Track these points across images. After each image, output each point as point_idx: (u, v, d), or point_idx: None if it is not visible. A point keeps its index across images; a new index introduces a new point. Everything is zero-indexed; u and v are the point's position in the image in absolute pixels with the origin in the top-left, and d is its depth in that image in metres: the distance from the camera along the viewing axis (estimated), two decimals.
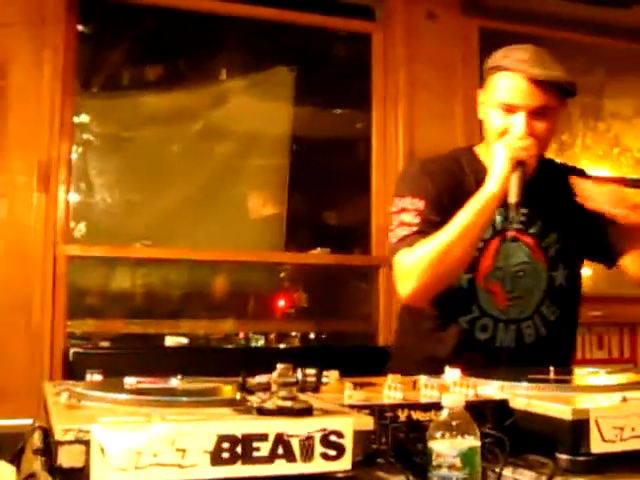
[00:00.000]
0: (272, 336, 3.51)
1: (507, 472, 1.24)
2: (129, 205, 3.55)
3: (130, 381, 1.19)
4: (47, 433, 1.20)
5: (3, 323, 2.77)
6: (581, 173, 2.22)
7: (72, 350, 2.74)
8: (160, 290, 3.54)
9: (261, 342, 3.46)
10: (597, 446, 1.22)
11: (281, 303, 3.68)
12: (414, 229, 2.02)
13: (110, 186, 3.49)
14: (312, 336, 3.58)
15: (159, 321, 3.43)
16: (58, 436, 0.97)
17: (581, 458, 1.22)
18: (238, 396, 1.12)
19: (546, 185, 2.12)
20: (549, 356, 1.80)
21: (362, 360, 2.52)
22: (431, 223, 2.01)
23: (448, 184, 2.11)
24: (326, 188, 3.77)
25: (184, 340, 3.18)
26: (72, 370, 2.77)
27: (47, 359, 2.93)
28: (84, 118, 3.43)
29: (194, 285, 3.58)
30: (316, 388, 1.18)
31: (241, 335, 3.49)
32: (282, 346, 3.49)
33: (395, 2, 3.53)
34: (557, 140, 4.07)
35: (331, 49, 3.75)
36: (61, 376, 2.85)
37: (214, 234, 3.60)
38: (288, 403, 1.09)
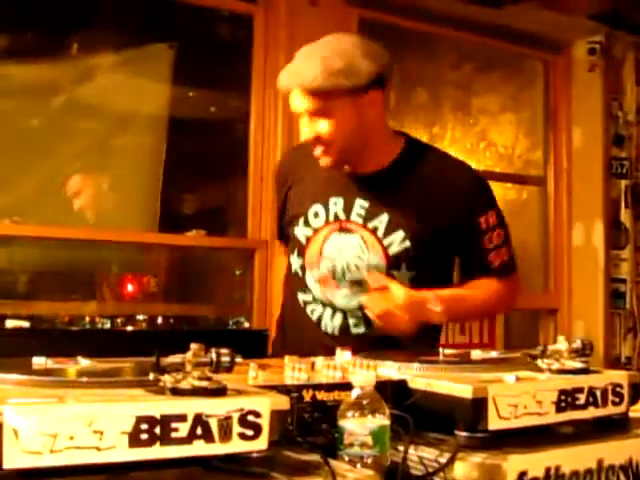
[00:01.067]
0: (119, 320, 3.42)
1: (410, 450, 1.27)
2: None
3: (38, 361, 1.14)
4: None
5: None
6: (461, 168, 2.19)
7: None
8: (11, 270, 3.42)
9: (107, 325, 3.36)
10: (494, 423, 1.27)
11: (130, 287, 3.60)
12: None
13: None
14: (160, 320, 3.49)
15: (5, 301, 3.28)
16: None
17: (479, 435, 1.27)
18: (151, 376, 1.10)
19: (404, 179, 2.07)
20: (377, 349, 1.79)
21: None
22: None
23: None
24: (203, 169, 3.74)
25: (25, 323, 3.05)
26: None
27: None
28: None
29: (50, 265, 3.47)
30: (230, 368, 1.17)
31: (87, 319, 3.37)
32: (130, 328, 3.38)
33: None
34: (428, 132, 4.20)
35: (213, 29, 3.71)
36: None
37: (82, 214, 3.50)
38: (203, 383, 1.08)
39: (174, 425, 1.00)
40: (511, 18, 3.94)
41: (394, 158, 2.09)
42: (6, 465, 0.91)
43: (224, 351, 1.17)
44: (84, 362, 1.21)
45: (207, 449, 1.02)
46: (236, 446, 1.04)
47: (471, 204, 2.06)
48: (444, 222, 2.04)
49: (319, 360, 1.51)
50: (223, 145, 3.73)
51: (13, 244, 3.36)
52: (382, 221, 2.03)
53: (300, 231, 2.12)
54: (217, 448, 1.03)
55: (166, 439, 0.99)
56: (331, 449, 1.21)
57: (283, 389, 1.27)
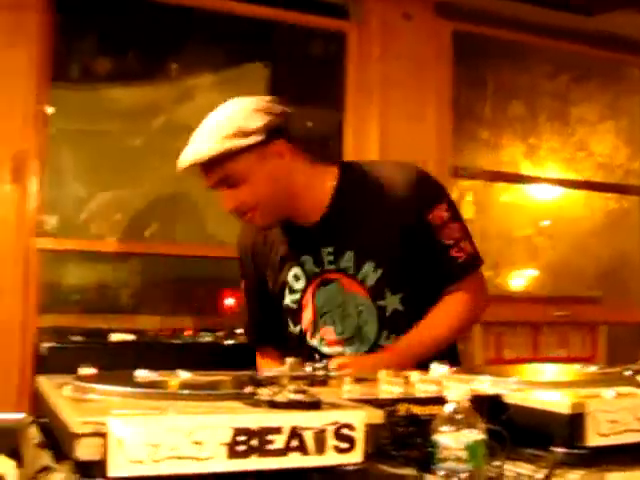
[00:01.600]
0: (220, 333, 3.47)
1: (507, 466, 1.26)
2: (97, 200, 3.51)
3: (140, 374, 1.18)
4: (47, 427, 1.19)
5: None
6: (396, 173, 2.08)
7: (44, 345, 2.71)
8: (116, 285, 3.52)
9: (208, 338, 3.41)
10: (593, 439, 1.24)
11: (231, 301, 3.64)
12: None
13: (80, 178, 3.47)
14: None
15: (114, 316, 3.38)
16: (75, 429, 0.95)
17: (577, 451, 1.24)
18: (248, 389, 1.12)
19: (351, 210, 2.01)
20: None
21: None
22: None
23: None
24: None
25: (130, 337, 3.13)
26: (44, 365, 2.74)
27: (18, 354, 2.90)
28: (53, 109, 3.38)
29: (153, 280, 3.56)
30: (324, 382, 1.19)
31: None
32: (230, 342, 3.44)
33: (371, 2, 3.55)
34: (525, 144, 4.14)
35: (307, 46, 3.74)
36: (32, 371, 2.83)
37: (186, 229, 3.58)
38: (300, 396, 1.09)
39: (270, 437, 1.01)
40: (606, 24, 3.84)
41: (333, 194, 2.02)
42: (111, 473, 0.94)
43: (319, 365, 1.19)
44: (184, 375, 1.24)
45: (302, 461, 1.03)
46: (331, 459, 1.04)
47: (415, 204, 1.98)
48: (401, 233, 1.98)
49: (414, 374, 1.51)
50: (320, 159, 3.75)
51: (121, 261, 3.48)
52: (350, 259, 1.99)
53: (288, 299, 2.09)
54: (312, 460, 1.03)
55: (262, 451, 1.01)
56: (426, 463, 1.21)
57: (377, 403, 1.27)
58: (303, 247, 2.04)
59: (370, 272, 1.98)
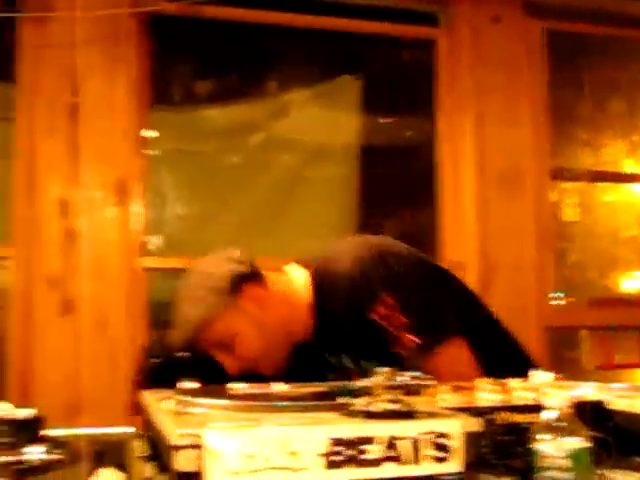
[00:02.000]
0: None
1: (613, 474, 1.22)
2: (199, 218, 3.61)
3: (236, 386, 1.21)
4: (153, 440, 1.22)
5: (85, 335, 2.82)
6: (340, 269, 1.92)
7: (152, 359, 2.77)
8: None
9: None
10: None
11: None
12: None
13: (181, 198, 3.55)
14: None
15: None
16: (174, 441, 0.98)
17: None
18: (342, 400, 1.12)
19: (329, 326, 1.92)
20: None
21: None
22: None
23: None
24: (395, 193, 3.77)
25: None
26: (152, 380, 2.81)
27: (124, 367, 2.93)
28: (152, 133, 3.48)
29: None
30: (418, 391, 1.18)
31: None
32: None
33: (460, 7, 3.52)
34: (627, 141, 4.01)
35: (397, 56, 3.75)
36: (142, 383, 2.90)
37: (283, 243, 3.62)
38: (394, 406, 1.09)
39: (367, 447, 1.01)
40: None
41: (313, 315, 1.94)
42: None
43: (414, 374, 1.19)
44: (277, 387, 1.26)
45: (399, 471, 1.02)
46: (427, 469, 1.03)
47: (356, 301, 1.85)
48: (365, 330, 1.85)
49: (513, 381, 1.49)
50: (413, 169, 3.73)
51: None
52: (348, 360, 1.93)
53: None
54: (408, 470, 1.02)
55: (358, 461, 1.00)
56: (528, 473, 1.19)
57: (475, 411, 1.26)
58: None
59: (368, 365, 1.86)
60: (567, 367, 3.61)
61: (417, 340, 1.80)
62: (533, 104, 3.56)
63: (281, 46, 3.63)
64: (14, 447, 0.99)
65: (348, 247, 1.98)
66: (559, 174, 3.78)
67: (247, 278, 1.87)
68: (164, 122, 3.49)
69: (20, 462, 0.96)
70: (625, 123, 4.01)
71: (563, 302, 3.72)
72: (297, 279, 1.97)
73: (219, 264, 1.88)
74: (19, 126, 3.05)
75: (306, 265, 2.01)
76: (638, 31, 3.75)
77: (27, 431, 1.16)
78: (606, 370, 3.53)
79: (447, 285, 2.05)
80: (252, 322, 1.86)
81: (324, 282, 1.94)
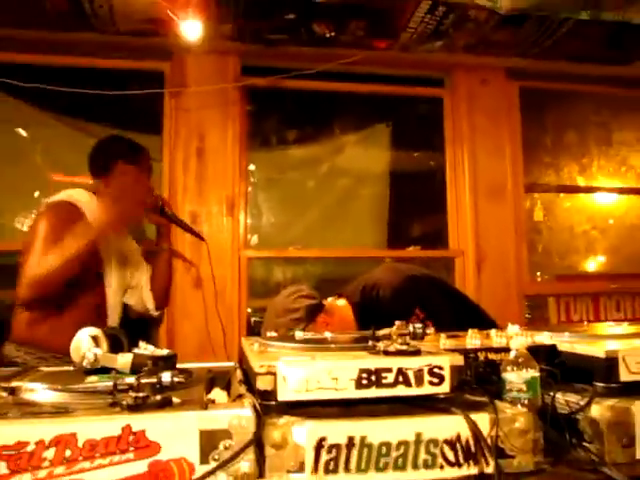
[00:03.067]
0: None
1: (558, 395, 1.21)
2: (284, 223, 3.61)
3: (299, 334, 1.23)
4: (245, 370, 1.25)
5: (211, 303, 2.86)
6: None
7: (252, 319, 2.82)
8: (300, 279, 3.52)
9: None
10: (625, 376, 1.17)
11: None
12: None
13: (271, 210, 3.56)
14: None
15: None
16: (256, 369, 1.01)
17: (613, 385, 1.18)
18: (370, 343, 1.14)
19: None
20: None
21: None
22: None
23: None
24: (414, 206, 3.75)
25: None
26: (252, 332, 2.87)
27: (236, 324, 3.00)
28: (252, 166, 3.53)
29: (326, 275, 3.61)
30: (422, 337, 1.18)
31: None
32: None
33: (458, 74, 3.46)
34: (579, 163, 3.91)
35: (416, 108, 3.70)
36: (245, 334, 2.95)
37: (340, 239, 3.63)
38: (404, 347, 1.10)
39: (384, 375, 1.03)
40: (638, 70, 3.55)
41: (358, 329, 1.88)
42: (280, 398, 0.99)
43: (418, 325, 1.19)
44: (328, 334, 1.28)
45: (406, 391, 1.04)
46: (426, 389, 1.05)
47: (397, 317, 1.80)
48: None
49: (493, 331, 1.48)
50: (427, 189, 3.69)
51: (297, 263, 3.53)
52: None
53: None
54: (413, 390, 1.04)
55: (379, 384, 1.02)
56: (498, 394, 1.18)
57: (464, 351, 1.26)
58: None
59: None
60: (539, 325, 3.52)
61: None
62: (511, 139, 3.48)
63: (338, 104, 3.61)
64: (155, 373, 1.03)
65: (386, 277, 1.93)
66: (531, 188, 3.69)
67: (317, 309, 1.85)
68: (259, 159, 3.52)
69: (159, 382, 1.00)
70: (577, 150, 3.91)
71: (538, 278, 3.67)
72: (342, 305, 1.94)
73: (297, 300, 1.86)
74: (164, 164, 3.11)
75: (344, 295, 1.98)
76: (585, 85, 3.63)
77: (165, 364, 1.19)
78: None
79: (447, 290, 2.03)
80: None
81: (367, 305, 1.90)
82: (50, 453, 0.85)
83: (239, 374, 1.28)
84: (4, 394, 1.01)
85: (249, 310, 3.13)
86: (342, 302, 1.97)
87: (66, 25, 2.86)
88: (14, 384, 1.00)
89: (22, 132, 3.28)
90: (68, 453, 0.85)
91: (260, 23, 2.83)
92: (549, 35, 3.07)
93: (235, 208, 3.12)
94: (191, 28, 2.49)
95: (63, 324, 1.88)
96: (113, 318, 2.08)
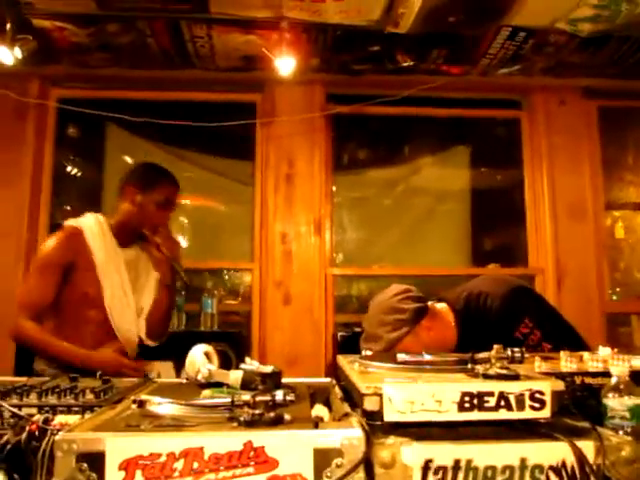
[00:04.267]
0: None
1: None
2: (365, 241, 3.61)
3: (401, 356, 1.21)
4: (345, 387, 1.23)
5: (298, 318, 2.89)
6: None
7: (339, 334, 2.81)
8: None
9: None
10: None
11: None
12: None
13: (354, 229, 3.57)
14: None
15: None
16: (363, 390, 0.99)
17: None
18: (469, 366, 1.11)
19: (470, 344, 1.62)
20: None
21: None
22: None
23: None
24: (495, 222, 3.65)
25: None
26: (339, 347, 2.84)
27: (323, 340, 3.01)
28: (335, 188, 3.56)
29: None
30: (521, 361, 1.14)
31: None
32: None
33: (536, 95, 3.37)
34: None
35: (494, 129, 3.63)
36: (332, 351, 2.93)
37: (420, 257, 3.58)
38: (503, 371, 1.07)
39: (486, 398, 1.00)
40: None
41: (458, 334, 1.78)
42: (386, 419, 0.97)
43: (516, 349, 1.15)
44: (427, 356, 1.25)
45: (508, 415, 1.00)
46: (528, 414, 1.00)
47: (506, 326, 1.72)
48: None
49: (585, 354, 1.41)
50: (507, 206, 3.59)
51: (380, 279, 3.49)
52: None
53: None
54: (514, 415, 1.00)
55: (481, 407, 0.99)
56: (598, 420, 1.12)
57: (560, 375, 1.20)
58: None
59: None
60: (621, 343, 3.32)
61: (549, 345, 1.71)
62: (590, 157, 3.34)
63: (415, 128, 3.59)
64: (269, 390, 1.04)
65: (492, 287, 1.84)
66: (611, 205, 3.52)
67: (423, 313, 1.77)
68: (343, 181, 3.54)
69: (272, 400, 1.01)
70: None
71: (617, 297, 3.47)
72: (444, 310, 1.86)
73: (404, 301, 1.77)
74: (256, 188, 3.19)
75: (444, 299, 1.90)
76: None
77: (272, 380, 1.21)
78: None
79: (545, 302, 1.93)
80: (423, 344, 1.71)
81: (473, 313, 1.81)
82: (180, 464, 0.88)
83: (338, 391, 1.26)
84: (134, 406, 1.05)
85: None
86: (442, 305, 1.86)
87: (171, 64, 3.01)
88: (143, 397, 1.05)
89: (129, 160, 3.47)
90: (195, 465, 0.88)
91: (346, 55, 2.87)
92: (631, 55, 2.93)
93: (321, 227, 3.15)
94: (284, 63, 2.56)
95: (74, 337, 1.89)
96: (126, 341, 1.97)
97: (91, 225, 1.98)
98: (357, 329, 3.20)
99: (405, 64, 2.88)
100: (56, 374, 1.60)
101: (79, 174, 3.54)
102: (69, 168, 3.49)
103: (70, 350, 1.83)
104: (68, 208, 3.38)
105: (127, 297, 1.97)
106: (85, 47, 2.78)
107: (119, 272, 1.97)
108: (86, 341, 1.89)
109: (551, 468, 0.94)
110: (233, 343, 2.49)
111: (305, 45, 2.71)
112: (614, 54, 2.93)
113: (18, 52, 2.49)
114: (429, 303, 1.83)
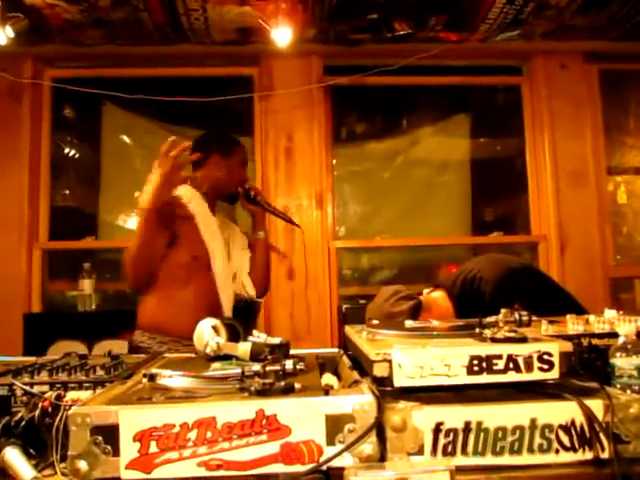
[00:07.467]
0: None
1: None
2: (367, 214, 3.60)
3: (409, 323, 1.21)
4: (354, 356, 1.24)
5: (302, 291, 2.90)
6: None
7: (344, 306, 2.82)
8: (385, 266, 3.55)
9: None
10: None
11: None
12: None
13: (354, 202, 3.57)
14: None
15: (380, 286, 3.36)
16: (372, 357, 1.00)
17: None
18: (477, 330, 1.11)
19: None
20: None
21: None
22: None
23: None
24: (497, 192, 3.63)
25: None
26: (344, 319, 2.86)
27: (328, 312, 3.03)
28: (335, 161, 3.54)
29: (409, 262, 3.57)
30: (529, 324, 1.15)
31: None
32: None
33: (536, 61, 3.32)
34: None
35: (494, 97, 3.59)
36: (337, 323, 2.96)
37: (422, 228, 3.58)
38: (512, 334, 1.07)
39: (494, 361, 1.00)
40: None
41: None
42: (395, 384, 0.97)
43: (523, 312, 1.15)
44: (435, 322, 1.25)
45: (516, 377, 1.00)
46: (536, 375, 1.01)
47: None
48: None
49: (591, 316, 1.41)
50: (508, 174, 3.57)
51: (382, 251, 3.53)
52: None
53: None
54: (523, 376, 1.00)
55: (490, 370, 0.99)
56: (605, 380, 1.13)
57: (567, 337, 1.20)
58: None
59: None
60: (625, 309, 3.33)
61: None
62: (592, 122, 3.31)
63: (414, 98, 3.56)
64: (278, 360, 1.05)
65: (487, 269, 1.83)
66: (613, 170, 3.50)
67: (419, 308, 1.78)
68: (342, 154, 3.52)
69: (282, 369, 1.02)
70: None
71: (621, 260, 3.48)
72: (440, 299, 1.86)
73: (397, 303, 1.79)
74: (256, 163, 3.17)
75: (442, 287, 1.89)
76: None
77: (281, 351, 1.22)
78: None
79: (547, 283, 1.90)
80: None
81: (469, 297, 1.81)
82: (193, 434, 0.88)
83: (346, 360, 1.27)
84: (145, 380, 1.06)
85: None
86: (438, 294, 1.87)
87: (165, 39, 2.97)
88: (154, 371, 1.06)
89: (126, 139, 3.44)
90: (209, 434, 0.88)
91: (343, 25, 2.82)
92: (633, 15, 2.88)
93: (323, 201, 3.14)
94: (280, 35, 2.52)
95: (178, 309, 1.94)
96: (226, 304, 2.09)
97: (190, 195, 2.08)
98: (362, 301, 3.23)
99: (403, 32, 2.84)
100: (150, 346, 1.73)
101: (76, 155, 3.52)
102: (66, 150, 3.47)
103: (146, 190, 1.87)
104: (67, 192, 3.36)
105: (229, 260, 2.14)
106: (78, 24, 2.74)
107: (221, 237, 2.11)
108: (189, 311, 1.90)
109: (561, 427, 0.95)
110: (241, 316, 2.51)
111: (301, 15, 2.67)
112: (616, 15, 2.88)
113: (10, 31, 2.45)
114: (422, 297, 1.83)
